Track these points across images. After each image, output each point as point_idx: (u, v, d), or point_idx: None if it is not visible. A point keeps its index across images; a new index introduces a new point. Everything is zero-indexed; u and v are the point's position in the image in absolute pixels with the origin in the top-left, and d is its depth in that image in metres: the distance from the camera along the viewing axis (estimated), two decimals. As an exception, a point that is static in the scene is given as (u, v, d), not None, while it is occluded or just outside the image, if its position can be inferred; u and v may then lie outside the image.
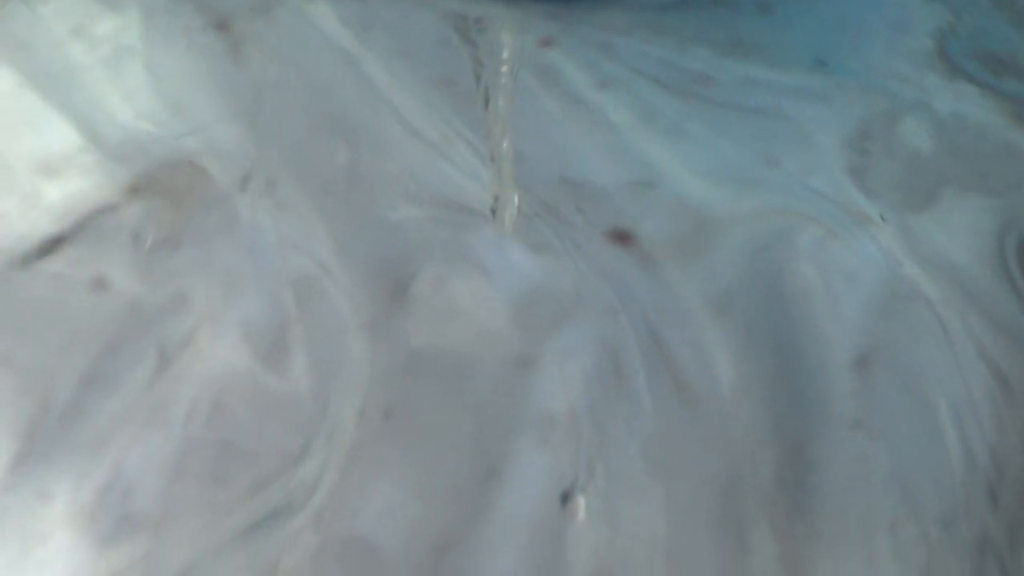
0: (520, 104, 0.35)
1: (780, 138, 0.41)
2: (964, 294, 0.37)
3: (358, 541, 0.31)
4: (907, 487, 0.34)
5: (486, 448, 0.33)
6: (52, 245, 0.35)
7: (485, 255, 0.37)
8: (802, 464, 0.34)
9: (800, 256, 0.37)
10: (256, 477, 0.32)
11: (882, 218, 0.39)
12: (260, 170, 0.37)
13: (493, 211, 0.36)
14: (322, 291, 0.35)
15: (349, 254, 0.36)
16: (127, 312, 0.34)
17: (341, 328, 0.35)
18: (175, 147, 0.37)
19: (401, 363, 0.34)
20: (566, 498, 0.33)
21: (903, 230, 0.38)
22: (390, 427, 0.33)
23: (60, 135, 0.37)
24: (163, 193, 0.36)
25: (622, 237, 0.37)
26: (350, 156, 0.38)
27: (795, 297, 0.36)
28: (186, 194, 0.36)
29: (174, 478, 0.32)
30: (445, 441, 0.33)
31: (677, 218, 0.38)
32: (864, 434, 0.34)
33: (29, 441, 0.32)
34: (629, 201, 0.38)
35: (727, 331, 0.36)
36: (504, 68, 0.34)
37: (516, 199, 0.36)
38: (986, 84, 0.43)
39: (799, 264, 0.37)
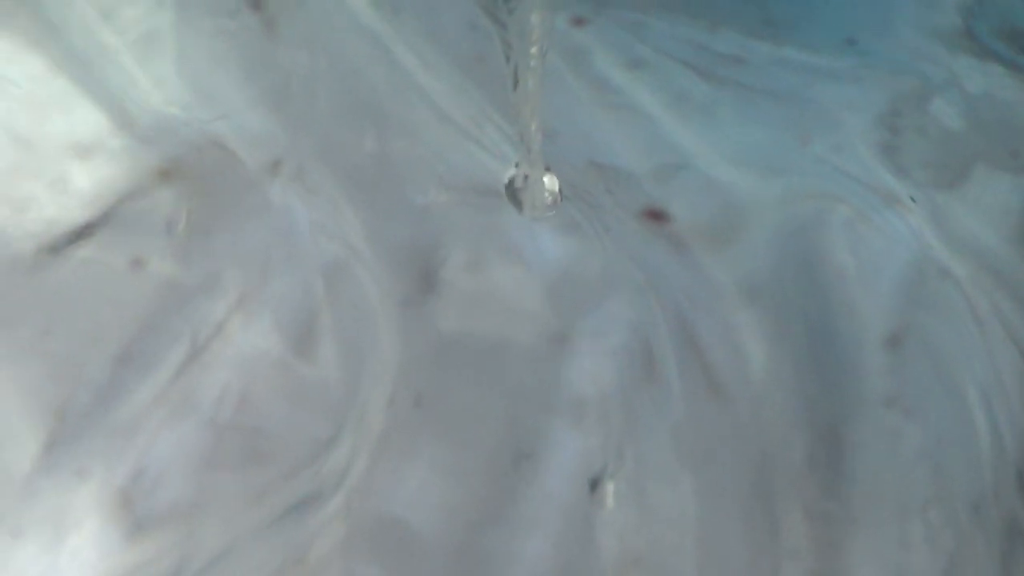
0: (550, 86, 0.35)
1: (810, 120, 0.40)
2: (993, 275, 0.37)
3: (389, 523, 0.32)
4: (938, 468, 0.34)
5: (517, 432, 0.33)
6: (83, 230, 0.34)
7: (515, 238, 0.36)
8: (835, 444, 0.34)
9: (831, 239, 0.37)
10: (286, 464, 0.32)
11: (912, 199, 0.38)
12: (291, 155, 0.37)
13: (512, 191, 0.36)
14: (352, 277, 0.35)
15: (379, 239, 0.36)
16: (161, 294, 0.34)
17: (371, 314, 0.34)
18: (205, 131, 0.37)
19: (431, 348, 0.34)
20: (595, 485, 0.33)
21: (932, 210, 0.38)
22: (420, 413, 0.33)
23: (89, 119, 0.36)
24: (193, 178, 0.35)
25: (655, 215, 0.37)
26: (379, 140, 0.38)
27: (826, 280, 0.36)
28: (217, 179, 0.36)
29: (204, 465, 0.32)
30: (476, 426, 0.33)
31: (707, 201, 0.38)
32: (898, 411, 0.34)
33: (62, 425, 0.31)
34: (658, 184, 0.38)
35: (758, 315, 0.36)
36: (534, 49, 0.33)
37: (548, 181, 0.35)
38: (1014, 63, 0.43)
39: (830, 247, 0.37)
